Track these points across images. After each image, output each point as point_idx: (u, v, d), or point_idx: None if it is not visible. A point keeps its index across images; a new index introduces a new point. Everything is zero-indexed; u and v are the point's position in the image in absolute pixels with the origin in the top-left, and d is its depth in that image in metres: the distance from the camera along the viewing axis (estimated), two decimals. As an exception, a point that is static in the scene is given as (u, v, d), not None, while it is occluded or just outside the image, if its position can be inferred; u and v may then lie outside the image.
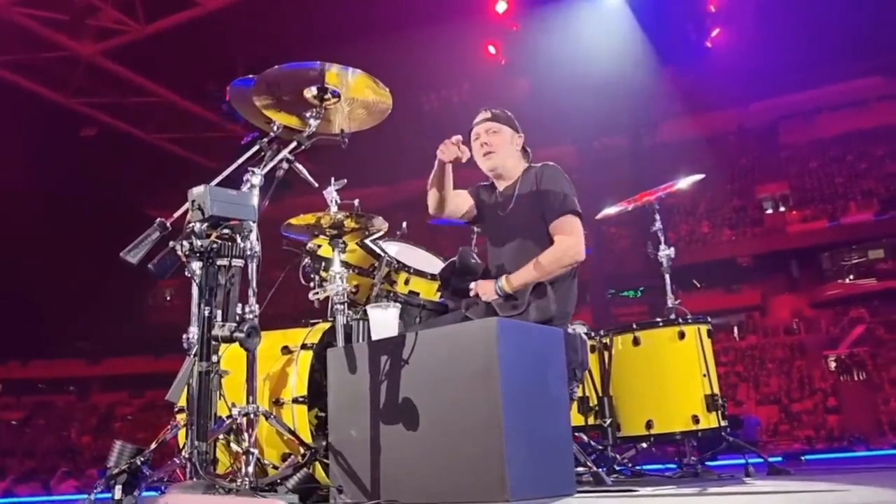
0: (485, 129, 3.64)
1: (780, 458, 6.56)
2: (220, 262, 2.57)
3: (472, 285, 3.40)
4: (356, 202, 3.50)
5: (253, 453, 2.70)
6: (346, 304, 3.27)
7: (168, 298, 33.74)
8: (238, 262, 2.64)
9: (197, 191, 2.56)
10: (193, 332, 2.96)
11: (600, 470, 3.48)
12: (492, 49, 18.06)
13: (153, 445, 3.09)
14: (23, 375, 30.56)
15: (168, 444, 3.23)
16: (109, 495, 2.91)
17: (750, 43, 19.25)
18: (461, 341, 2.65)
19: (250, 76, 3.46)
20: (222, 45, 18.17)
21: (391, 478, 2.66)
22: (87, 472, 21.45)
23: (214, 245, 2.54)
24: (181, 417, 3.22)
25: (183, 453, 2.72)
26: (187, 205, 2.66)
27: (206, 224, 2.52)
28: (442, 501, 2.50)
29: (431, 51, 18.27)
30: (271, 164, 3.06)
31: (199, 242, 2.49)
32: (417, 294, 3.73)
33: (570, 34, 17.24)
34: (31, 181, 22.50)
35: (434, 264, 4.02)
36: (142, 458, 2.93)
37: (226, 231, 2.58)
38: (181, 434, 3.14)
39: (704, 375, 4.07)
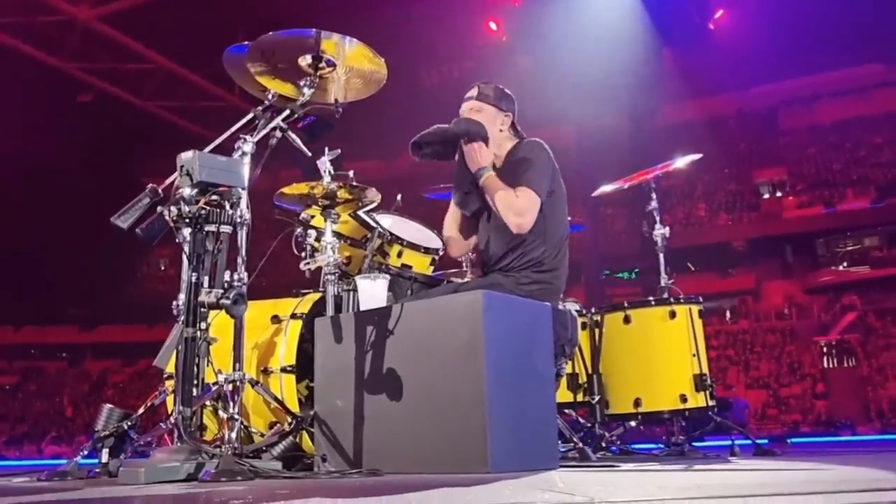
0: (469, 107, 3.54)
1: (766, 441, 6.61)
2: (208, 228, 2.56)
3: (470, 146, 3.34)
4: (350, 173, 3.48)
5: (237, 420, 2.70)
6: (336, 275, 3.26)
7: (163, 268, 33.73)
8: (226, 229, 2.63)
9: (186, 156, 2.54)
10: (183, 298, 2.96)
11: (587, 447, 3.49)
12: (493, 25, 17.94)
13: (141, 410, 3.10)
14: (15, 340, 30.55)
15: (158, 409, 3.24)
16: (96, 459, 2.92)
17: (752, 26, 19.18)
18: (447, 314, 2.65)
19: (245, 42, 3.43)
20: (222, 12, 18.01)
21: (375, 448, 2.67)
22: (76, 438, 21.57)
23: (203, 211, 2.53)
24: (170, 384, 3.22)
25: (170, 419, 2.73)
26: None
27: (194, 190, 2.50)
28: (424, 472, 2.52)
29: (433, 26, 18.16)
30: (263, 133, 3.04)
31: (187, 208, 2.47)
32: (410, 267, 3.72)
33: (572, 12, 17.11)
34: (26, 146, 22.39)
35: (428, 238, 4.00)
36: (129, 423, 2.95)
37: (214, 198, 2.56)
38: (169, 400, 3.15)
39: (694, 355, 4.08)
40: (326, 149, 3.38)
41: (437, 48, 20.68)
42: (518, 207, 3.21)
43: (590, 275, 22.76)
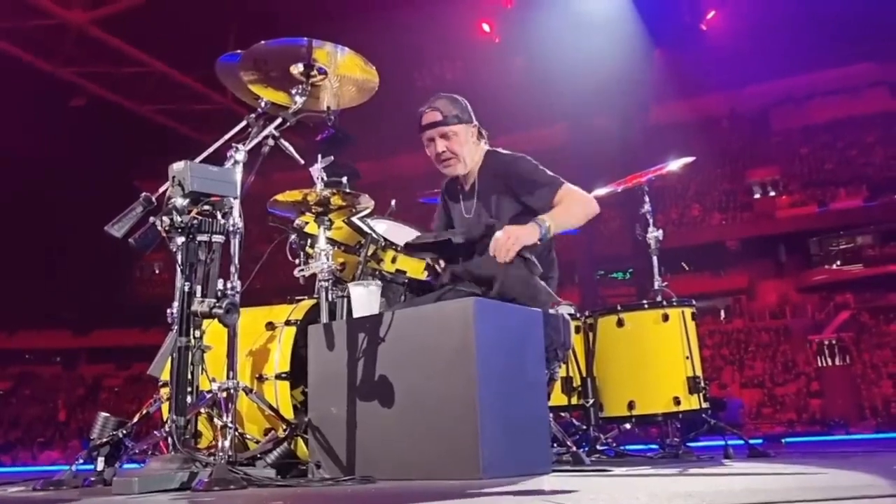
0: (439, 133, 3.42)
1: (761, 441, 6.63)
2: (200, 238, 2.57)
3: (499, 234, 3.03)
4: (343, 179, 3.49)
5: (231, 428, 2.71)
6: (331, 282, 3.27)
7: (156, 272, 33.68)
8: (219, 239, 2.64)
9: (177, 167, 2.54)
10: (176, 307, 2.97)
11: (580, 450, 3.50)
12: (486, 27, 17.96)
13: (136, 418, 3.11)
14: (9, 345, 30.46)
15: (153, 416, 3.25)
16: (92, 466, 2.93)
17: (744, 26, 19.24)
18: (438, 320, 2.65)
19: (237, 51, 3.43)
20: (214, 15, 18.00)
21: (368, 454, 2.68)
22: (70, 443, 21.50)
23: (195, 221, 2.53)
24: (165, 391, 3.23)
25: (165, 427, 2.73)
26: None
27: (186, 200, 2.51)
28: (416, 478, 2.53)
29: (425, 27, 18.15)
30: (256, 141, 3.05)
31: (179, 218, 2.48)
32: (405, 272, 3.72)
33: (565, 13, 17.15)
34: (19, 150, 22.31)
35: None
36: (124, 431, 2.95)
37: (206, 207, 2.57)
38: (164, 407, 3.16)
39: (687, 358, 4.10)
40: (319, 156, 3.38)
41: (428, 49, 20.70)
42: (580, 199, 3.27)
43: (584, 275, 22.81)
